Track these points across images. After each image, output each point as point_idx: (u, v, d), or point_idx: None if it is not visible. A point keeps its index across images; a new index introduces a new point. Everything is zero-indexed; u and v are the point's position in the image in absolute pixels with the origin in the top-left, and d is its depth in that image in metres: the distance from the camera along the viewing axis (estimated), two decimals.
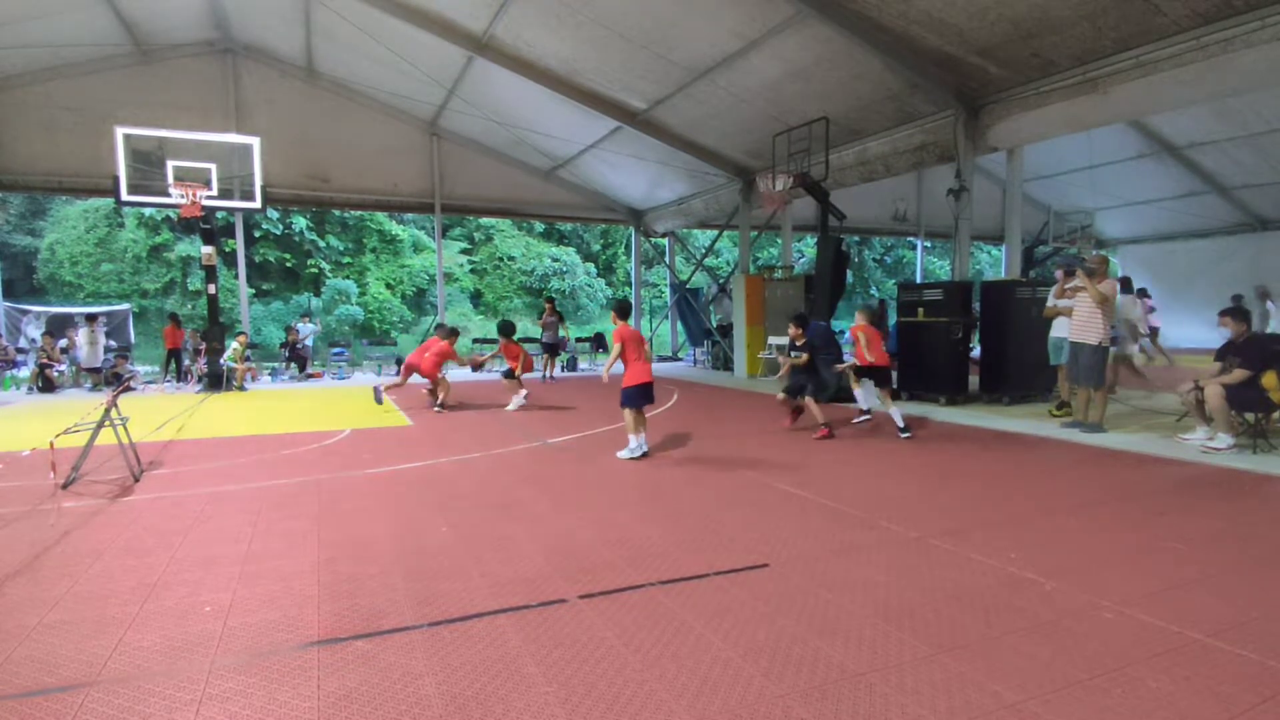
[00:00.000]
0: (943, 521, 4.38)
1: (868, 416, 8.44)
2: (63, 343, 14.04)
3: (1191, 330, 18.56)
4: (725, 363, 16.67)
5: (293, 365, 16.02)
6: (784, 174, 11.16)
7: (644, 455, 6.53)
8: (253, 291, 21.99)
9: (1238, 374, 6.25)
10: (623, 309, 6.91)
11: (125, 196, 12.43)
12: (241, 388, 13.45)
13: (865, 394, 8.53)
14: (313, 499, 5.15)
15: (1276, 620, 2.93)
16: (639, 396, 6.46)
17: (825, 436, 7.44)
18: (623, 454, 6.54)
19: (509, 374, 10.36)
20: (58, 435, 5.00)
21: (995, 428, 7.89)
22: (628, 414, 6.51)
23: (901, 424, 7.44)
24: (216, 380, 13.09)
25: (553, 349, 14.64)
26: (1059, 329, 8.33)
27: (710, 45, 10.77)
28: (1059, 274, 8.64)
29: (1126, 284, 10.23)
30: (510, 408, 10.04)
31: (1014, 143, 10.21)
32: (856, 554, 3.81)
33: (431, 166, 17.71)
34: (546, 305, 15.02)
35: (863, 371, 8.10)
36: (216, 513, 4.81)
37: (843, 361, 8.34)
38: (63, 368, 13.74)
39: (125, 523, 4.56)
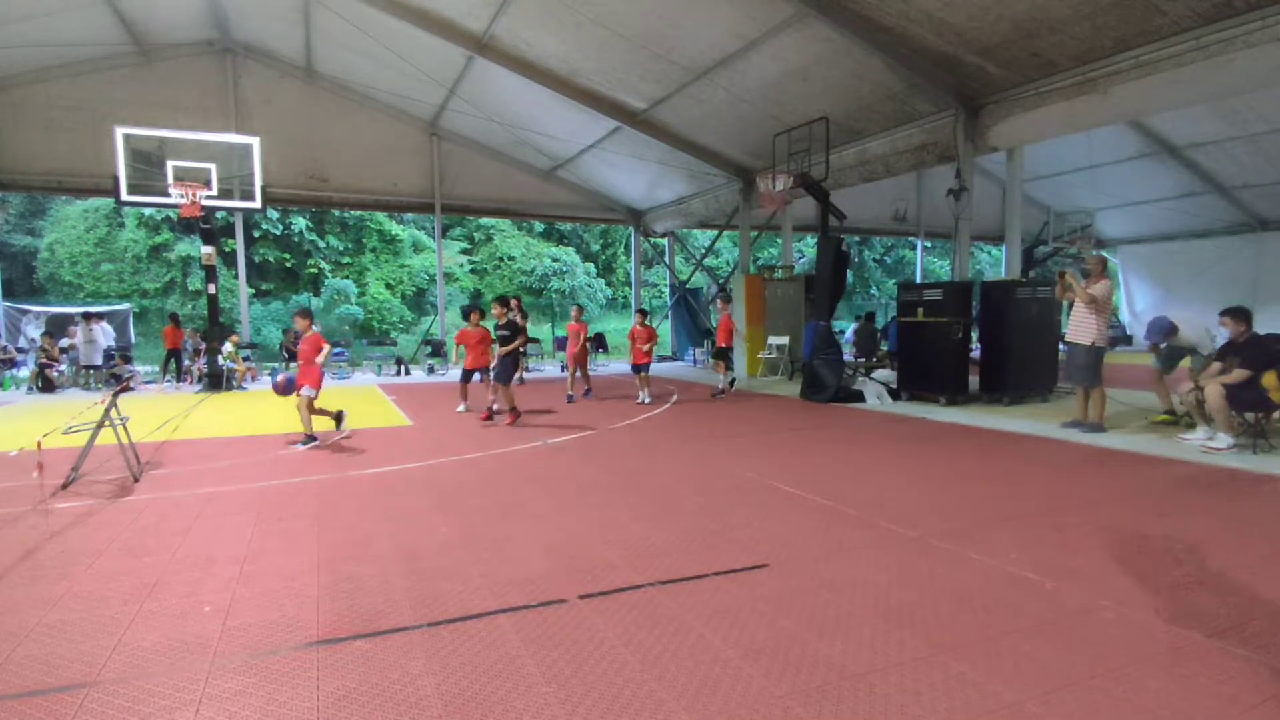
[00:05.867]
0: (943, 521, 4.37)
1: (723, 394, 11.05)
2: (64, 342, 14.03)
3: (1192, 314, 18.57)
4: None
5: (293, 365, 16.01)
6: (784, 174, 11.16)
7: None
8: (252, 291, 21.98)
9: (1238, 374, 6.24)
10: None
11: (125, 196, 12.43)
12: (241, 387, 13.45)
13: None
14: (313, 499, 5.14)
15: (1277, 620, 2.93)
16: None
17: (485, 420, 8.71)
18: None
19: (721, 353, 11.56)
20: (45, 435, 4.99)
21: (995, 428, 7.89)
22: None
23: (720, 388, 10.96)
24: (216, 380, 13.09)
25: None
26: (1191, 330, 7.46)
27: (710, 45, 10.78)
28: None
29: None
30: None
31: (1014, 143, 10.21)
32: (856, 554, 3.80)
33: (431, 166, 17.72)
34: (514, 304, 14.58)
35: (718, 351, 11.07)
36: (216, 513, 4.81)
37: (843, 361, 8.48)
38: (62, 368, 13.73)
39: (125, 523, 4.55)
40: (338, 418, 7.90)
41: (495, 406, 8.98)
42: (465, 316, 9.66)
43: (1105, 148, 16.74)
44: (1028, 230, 18.36)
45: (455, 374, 16.43)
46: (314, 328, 7.81)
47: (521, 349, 13.61)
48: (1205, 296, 18.04)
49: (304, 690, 2.47)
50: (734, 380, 11.45)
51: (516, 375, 13.76)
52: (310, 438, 7.37)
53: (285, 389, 7.54)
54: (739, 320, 15.19)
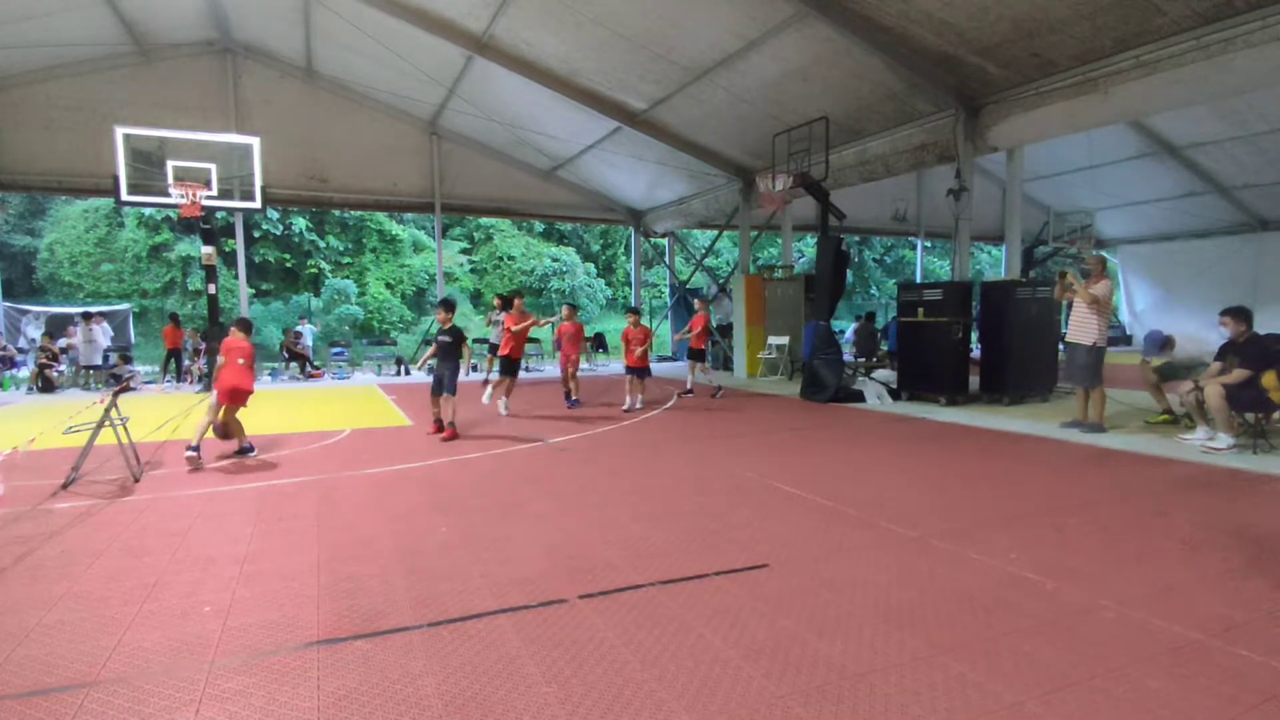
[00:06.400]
0: (943, 521, 4.37)
1: (689, 393, 11.12)
2: (62, 342, 14.04)
3: (1192, 330, 18.56)
4: (725, 362, 16.67)
5: (292, 365, 16.04)
6: (784, 174, 11.15)
7: None
8: (253, 291, 21.97)
9: (1238, 374, 6.24)
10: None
11: (125, 196, 12.42)
12: None
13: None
14: (313, 499, 5.15)
15: (1277, 620, 2.93)
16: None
17: (449, 438, 7.53)
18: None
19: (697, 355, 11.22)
20: (39, 434, 4.99)
21: (995, 428, 7.89)
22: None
23: (688, 385, 11.19)
24: None
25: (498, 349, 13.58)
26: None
27: (710, 45, 10.77)
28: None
29: None
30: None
31: (1014, 143, 10.20)
32: (856, 554, 3.81)
33: (431, 166, 17.71)
34: (496, 302, 13.21)
35: (694, 352, 11.03)
36: (216, 513, 4.81)
37: (843, 361, 8.47)
38: (62, 368, 13.73)
39: (125, 523, 4.56)
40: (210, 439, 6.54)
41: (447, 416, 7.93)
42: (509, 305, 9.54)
43: (1105, 148, 16.73)
44: (1028, 230, 18.34)
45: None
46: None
47: (512, 354, 13.02)
48: (1205, 296, 18.04)
49: (304, 690, 2.47)
50: (678, 394, 11.15)
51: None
52: (194, 448, 6.28)
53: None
54: (739, 321, 15.24)
